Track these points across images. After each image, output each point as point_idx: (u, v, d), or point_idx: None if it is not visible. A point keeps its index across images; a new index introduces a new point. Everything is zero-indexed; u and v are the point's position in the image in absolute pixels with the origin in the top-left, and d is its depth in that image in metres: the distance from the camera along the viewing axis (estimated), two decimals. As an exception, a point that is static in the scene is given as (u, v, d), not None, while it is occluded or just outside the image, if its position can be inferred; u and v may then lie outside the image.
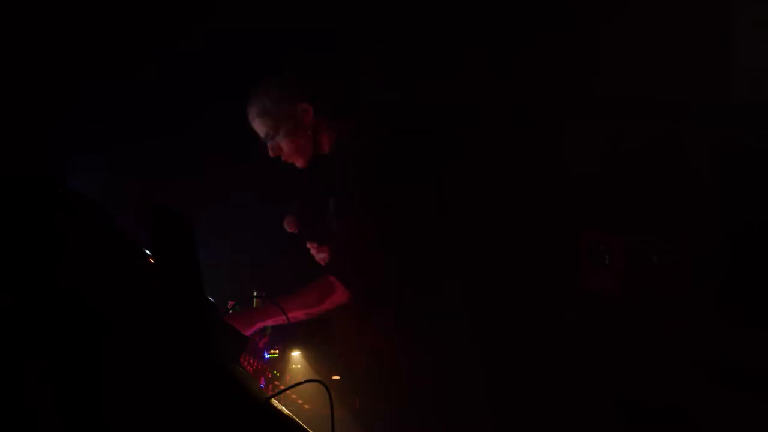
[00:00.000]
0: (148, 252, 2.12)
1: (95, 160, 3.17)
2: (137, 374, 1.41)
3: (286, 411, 1.58)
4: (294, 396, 2.22)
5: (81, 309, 1.50)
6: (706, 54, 3.12)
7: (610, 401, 2.85)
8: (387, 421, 2.39)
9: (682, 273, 3.04)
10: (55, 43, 3.08)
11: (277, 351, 2.51)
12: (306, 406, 2.22)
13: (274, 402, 1.56)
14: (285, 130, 2.53)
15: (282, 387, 2.27)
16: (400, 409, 2.42)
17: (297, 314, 2.41)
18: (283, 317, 2.34)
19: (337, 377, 2.45)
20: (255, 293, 2.65)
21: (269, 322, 2.41)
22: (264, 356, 2.48)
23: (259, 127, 2.57)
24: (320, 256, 2.59)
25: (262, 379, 2.43)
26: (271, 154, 2.58)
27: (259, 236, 3.24)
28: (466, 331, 2.54)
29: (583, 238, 3.19)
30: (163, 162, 3.25)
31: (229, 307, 2.49)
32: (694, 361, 2.81)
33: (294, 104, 2.54)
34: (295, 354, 2.50)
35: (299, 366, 2.49)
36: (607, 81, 3.22)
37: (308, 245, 2.60)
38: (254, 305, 2.61)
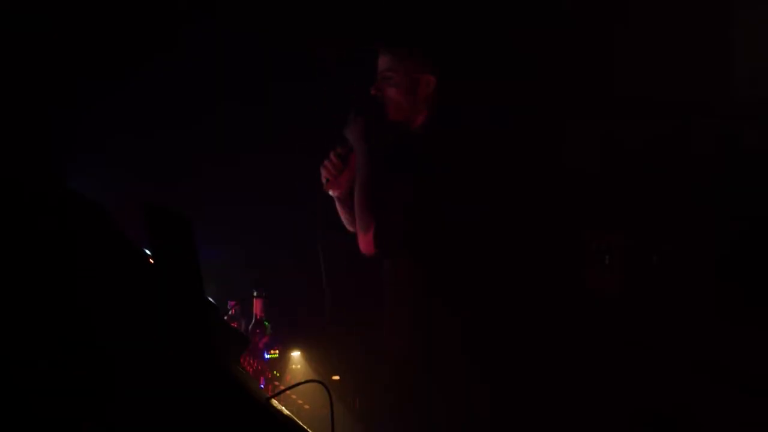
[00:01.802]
0: (148, 252, 2.12)
1: (95, 160, 3.17)
2: (137, 374, 1.42)
3: (286, 411, 1.58)
4: (294, 396, 2.23)
5: (81, 309, 1.50)
6: (707, 54, 3.13)
7: (609, 400, 2.85)
8: (387, 420, 2.39)
9: (682, 273, 3.04)
10: (54, 42, 3.08)
11: (277, 351, 2.51)
12: (306, 406, 2.22)
13: (274, 402, 1.56)
14: (399, 80, 2.44)
15: (282, 387, 2.27)
16: (399, 409, 2.42)
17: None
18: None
19: (337, 377, 2.45)
20: (255, 293, 2.65)
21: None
22: (264, 356, 2.49)
23: (384, 61, 2.48)
24: None
25: (262, 379, 2.43)
26: (373, 90, 2.50)
27: (259, 236, 3.25)
28: (466, 329, 2.54)
29: (583, 238, 3.19)
30: (163, 162, 3.25)
31: (229, 307, 2.49)
32: (694, 361, 2.81)
33: (425, 69, 2.46)
34: (295, 354, 2.51)
35: (299, 366, 2.49)
36: (608, 81, 3.22)
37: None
38: (254, 305, 2.62)
